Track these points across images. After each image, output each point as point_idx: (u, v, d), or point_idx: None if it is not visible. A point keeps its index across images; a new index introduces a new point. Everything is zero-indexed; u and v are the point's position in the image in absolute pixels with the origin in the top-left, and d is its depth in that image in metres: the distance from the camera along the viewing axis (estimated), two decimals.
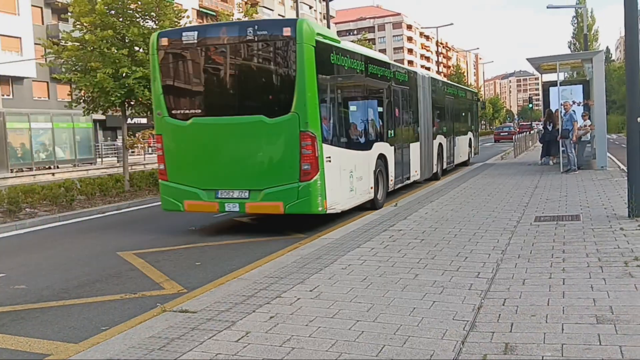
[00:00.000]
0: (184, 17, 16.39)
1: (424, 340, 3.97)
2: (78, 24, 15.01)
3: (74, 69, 15.30)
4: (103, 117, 36.71)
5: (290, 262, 6.54)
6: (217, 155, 9.09)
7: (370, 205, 11.00)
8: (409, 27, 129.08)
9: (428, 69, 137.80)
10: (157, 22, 15.55)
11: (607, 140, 17.37)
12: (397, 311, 4.62)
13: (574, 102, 16.94)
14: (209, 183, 9.14)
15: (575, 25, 75.74)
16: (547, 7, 33.17)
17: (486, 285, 5.25)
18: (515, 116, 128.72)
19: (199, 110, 9.25)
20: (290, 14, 75.52)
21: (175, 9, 16.14)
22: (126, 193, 15.08)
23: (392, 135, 12.68)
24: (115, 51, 14.63)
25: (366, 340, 4.01)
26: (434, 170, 16.62)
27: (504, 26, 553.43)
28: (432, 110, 16.32)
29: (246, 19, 22.49)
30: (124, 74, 14.68)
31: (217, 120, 9.08)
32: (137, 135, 39.84)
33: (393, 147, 12.61)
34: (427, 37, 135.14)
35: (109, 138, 47.74)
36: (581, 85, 18.38)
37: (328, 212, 8.97)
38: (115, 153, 38.78)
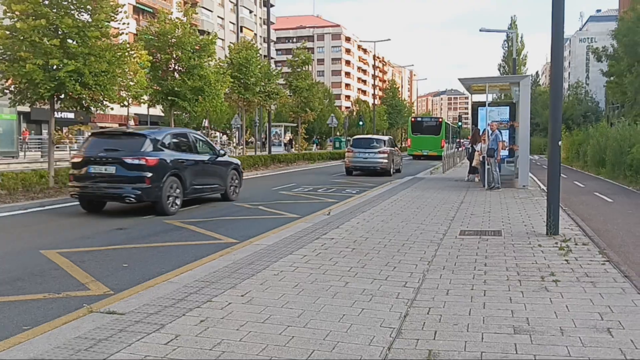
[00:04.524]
0: (120, 12, 16.03)
1: (352, 346, 4.08)
2: (9, 12, 14.38)
3: (1, 58, 14.64)
4: (28, 110, 35.17)
5: (222, 266, 6.53)
6: (422, 142, 46.06)
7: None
8: (348, 39, 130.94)
9: (364, 81, 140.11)
10: (92, 15, 15.12)
11: (529, 161, 18.27)
12: (327, 317, 4.72)
13: (500, 123, 17.71)
14: (419, 148, 46.07)
15: (506, 49, 78.97)
16: (480, 30, 34.68)
17: (412, 295, 5.44)
18: None
19: (419, 134, 47.10)
20: (230, 17, 75.06)
21: (111, 3, 15.75)
22: (50, 190, 14.54)
23: (450, 141, 48.15)
24: (47, 42, 14.12)
25: (296, 345, 4.08)
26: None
27: (439, 46, 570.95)
28: (452, 133, 55.98)
29: (185, 19, 22.29)
30: (54, 66, 14.19)
31: (421, 136, 46.81)
32: (64, 130, 38.37)
33: (451, 144, 46.60)
34: (365, 51, 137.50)
35: (32, 132, 45.73)
36: (508, 107, 19.24)
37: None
38: (39, 147, 37.17)
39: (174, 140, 12.92)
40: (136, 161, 11.51)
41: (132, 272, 6.87)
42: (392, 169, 25.55)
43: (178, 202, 12.24)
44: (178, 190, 12.22)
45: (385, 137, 27.60)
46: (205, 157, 13.75)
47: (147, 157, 11.59)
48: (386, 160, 24.91)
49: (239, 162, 15.55)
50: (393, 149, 26.87)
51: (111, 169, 11.51)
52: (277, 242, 8.06)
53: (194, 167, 12.98)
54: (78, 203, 12.29)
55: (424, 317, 4.77)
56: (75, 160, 12.25)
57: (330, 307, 5.02)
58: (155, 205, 11.77)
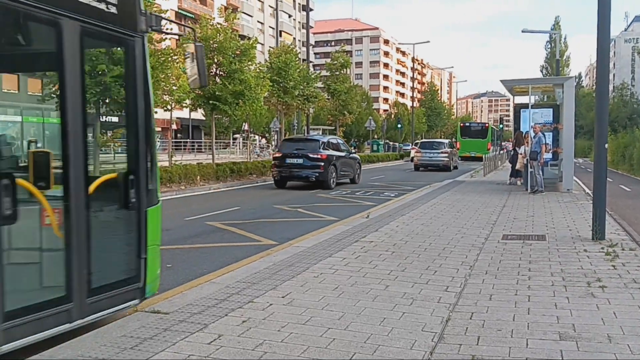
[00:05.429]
0: (164, 18, 16.34)
1: (393, 350, 4.06)
2: None
3: None
4: None
5: (263, 268, 6.58)
6: (470, 145, 48.60)
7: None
8: (386, 42, 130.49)
9: (403, 84, 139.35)
10: None
11: (574, 164, 17.85)
12: (367, 320, 4.71)
13: (544, 126, 17.36)
14: (468, 150, 47.80)
15: (549, 50, 77.47)
16: (522, 31, 34.02)
17: (454, 299, 5.38)
18: None
19: (467, 137, 50.26)
20: (269, 21, 75.75)
21: (155, 9, 16.09)
22: None
23: (494, 144, 51.58)
24: None
25: (337, 348, 4.08)
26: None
27: (473, 47, 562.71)
28: (495, 135, 56.01)
29: (226, 24, 22.59)
30: (100, 72, 14.54)
31: (470, 139, 49.85)
32: (108, 133, 39.28)
33: (495, 147, 50.87)
34: (404, 53, 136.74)
35: None
36: (551, 109, 18.85)
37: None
38: None
39: (330, 143, 20.18)
40: (315, 156, 18.49)
41: (175, 273, 6.98)
42: (451, 166, 32.32)
43: (334, 182, 19.17)
44: (334, 175, 19.15)
45: (446, 140, 37.12)
46: (343, 154, 20.62)
47: (321, 153, 18.60)
48: (447, 158, 32.01)
49: (359, 157, 23.99)
50: (452, 149, 34.44)
51: (300, 161, 18.51)
52: (316, 245, 8.08)
53: (340, 160, 19.83)
54: None
55: (467, 322, 4.70)
56: (277, 155, 19.45)
57: (370, 310, 5.00)
58: (323, 183, 18.58)
